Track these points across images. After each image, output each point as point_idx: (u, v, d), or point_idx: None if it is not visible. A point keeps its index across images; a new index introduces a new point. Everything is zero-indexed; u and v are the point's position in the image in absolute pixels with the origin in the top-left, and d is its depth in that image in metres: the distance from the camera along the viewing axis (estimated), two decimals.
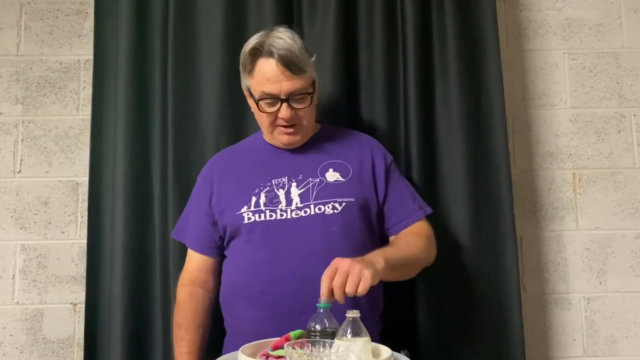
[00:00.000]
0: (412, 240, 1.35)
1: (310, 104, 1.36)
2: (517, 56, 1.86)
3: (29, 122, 1.80)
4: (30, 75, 1.82)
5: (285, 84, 1.30)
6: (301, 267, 1.28)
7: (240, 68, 1.39)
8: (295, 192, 1.35)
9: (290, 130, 1.36)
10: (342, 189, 1.36)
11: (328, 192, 1.35)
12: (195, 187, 1.49)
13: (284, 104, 1.32)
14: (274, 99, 1.32)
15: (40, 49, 1.83)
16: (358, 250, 1.31)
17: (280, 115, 1.33)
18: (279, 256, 1.30)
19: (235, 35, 1.69)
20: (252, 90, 1.36)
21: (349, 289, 1.07)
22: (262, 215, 1.34)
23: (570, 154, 1.82)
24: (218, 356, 1.27)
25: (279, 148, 1.43)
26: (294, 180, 1.37)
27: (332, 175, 1.37)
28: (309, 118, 1.38)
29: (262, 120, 1.38)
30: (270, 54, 1.30)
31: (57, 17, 1.84)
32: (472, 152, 1.65)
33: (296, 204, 1.34)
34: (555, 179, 1.81)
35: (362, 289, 1.08)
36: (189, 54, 1.69)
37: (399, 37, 1.70)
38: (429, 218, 1.44)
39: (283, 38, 1.32)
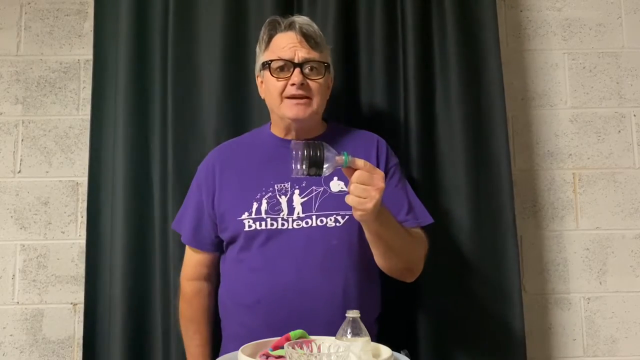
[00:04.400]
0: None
1: (324, 76, 1.35)
2: (517, 56, 1.86)
3: (29, 122, 1.80)
4: (30, 75, 1.82)
5: (301, 51, 1.33)
6: (298, 279, 1.27)
7: (257, 49, 1.42)
8: (297, 200, 1.33)
9: (300, 101, 1.33)
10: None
11: (331, 203, 1.32)
12: (196, 180, 1.45)
13: (297, 69, 1.31)
14: (288, 63, 1.32)
15: (40, 49, 1.83)
16: (358, 264, 1.31)
17: (291, 80, 1.31)
18: (277, 266, 1.29)
19: (236, 35, 1.69)
20: (265, 60, 1.36)
21: (352, 198, 1.10)
22: (263, 223, 1.32)
23: (570, 154, 1.82)
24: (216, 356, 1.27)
25: (283, 139, 1.40)
26: (297, 187, 1.33)
27: (336, 185, 1.34)
28: (320, 96, 1.35)
29: (272, 89, 1.35)
30: (290, 27, 1.36)
31: (57, 17, 1.84)
32: (472, 152, 1.65)
33: (298, 213, 1.31)
34: (555, 179, 1.81)
35: (351, 201, 1.10)
36: (189, 54, 1.69)
37: (399, 37, 1.70)
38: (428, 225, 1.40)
39: (304, 17, 1.40)
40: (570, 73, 1.85)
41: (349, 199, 1.11)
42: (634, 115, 1.84)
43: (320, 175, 1.08)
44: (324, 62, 1.36)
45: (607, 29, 1.87)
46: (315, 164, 1.06)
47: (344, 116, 1.63)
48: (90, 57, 1.74)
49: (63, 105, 1.81)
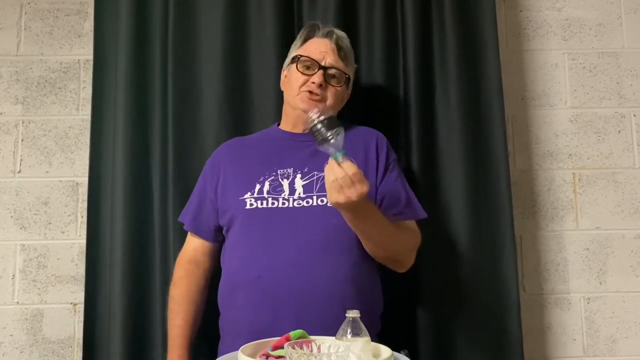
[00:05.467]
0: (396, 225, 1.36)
1: (342, 85, 1.44)
2: (517, 56, 1.86)
3: (29, 122, 1.80)
4: (30, 75, 1.82)
5: (330, 57, 1.42)
6: (298, 255, 1.29)
7: (291, 47, 1.51)
8: (299, 182, 1.37)
9: (315, 97, 1.40)
10: None
11: None
12: (202, 172, 1.51)
13: (321, 71, 1.40)
14: (314, 63, 1.41)
15: (40, 49, 1.83)
16: (356, 244, 1.32)
17: (312, 79, 1.39)
18: (277, 243, 1.31)
19: (236, 34, 1.69)
20: (296, 54, 1.44)
21: (327, 185, 1.17)
22: (265, 202, 1.35)
23: (570, 154, 1.82)
24: (215, 356, 1.27)
25: (290, 133, 1.46)
26: (299, 172, 1.38)
27: None
28: (334, 101, 1.43)
29: (293, 81, 1.43)
30: (327, 35, 1.46)
31: (57, 17, 1.85)
32: (471, 152, 1.65)
33: (299, 194, 1.36)
34: (555, 179, 1.81)
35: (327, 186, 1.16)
36: (189, 54, 1.69)
37: (398, 37, 1.70)
38: (426, 221, 1.42)
39: (343, 32, 1.50)
40: (570, 73, 1.85)
41: (326, 183, 1.16)
42: (634, 115, 1.84)
43: (318, 139, 1.14)
44: (346, 74, 1.44)
45: (607, 29, 1.87)
46: (331, 127, 1.14)
47: (344, 117, 1.63)
48: (90, 57, 1.74)
49: (63, 105, 1.81)
